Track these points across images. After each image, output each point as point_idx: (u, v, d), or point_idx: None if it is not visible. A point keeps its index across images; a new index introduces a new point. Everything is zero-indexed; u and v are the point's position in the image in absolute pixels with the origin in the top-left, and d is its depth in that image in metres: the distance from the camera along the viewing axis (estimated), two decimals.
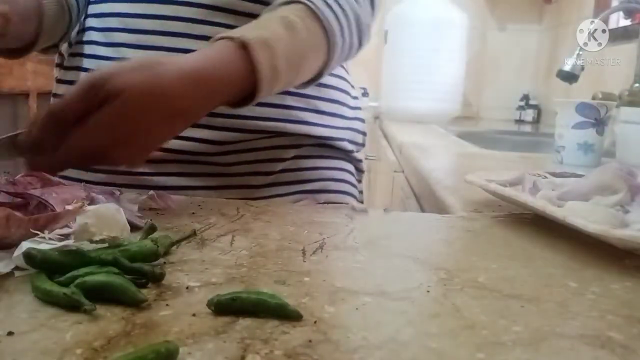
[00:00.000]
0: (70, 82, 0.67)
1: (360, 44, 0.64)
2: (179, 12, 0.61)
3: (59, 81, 0.69)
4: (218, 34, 0.52)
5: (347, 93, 0.76)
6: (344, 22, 0.59)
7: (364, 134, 0.80)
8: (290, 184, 0.69)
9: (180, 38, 0.61)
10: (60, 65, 0.71)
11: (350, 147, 0.76)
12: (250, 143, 0.65)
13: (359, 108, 0.80)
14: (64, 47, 0.70)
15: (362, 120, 0.80)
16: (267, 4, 0.60)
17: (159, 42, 0.61)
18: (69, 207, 0.37)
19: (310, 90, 0.67)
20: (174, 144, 0.62)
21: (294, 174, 0.69)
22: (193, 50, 0.52)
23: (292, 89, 0.64)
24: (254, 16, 0.58)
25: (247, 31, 0.51)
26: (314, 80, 0.61)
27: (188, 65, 0.48)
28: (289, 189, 0.69)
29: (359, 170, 0.80)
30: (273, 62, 0.51)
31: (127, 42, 0.63)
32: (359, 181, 0.81)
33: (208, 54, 0.50)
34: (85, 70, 0.65)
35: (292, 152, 0.68)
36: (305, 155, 0.70)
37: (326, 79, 0.68)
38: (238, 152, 0.65)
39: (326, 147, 0.72)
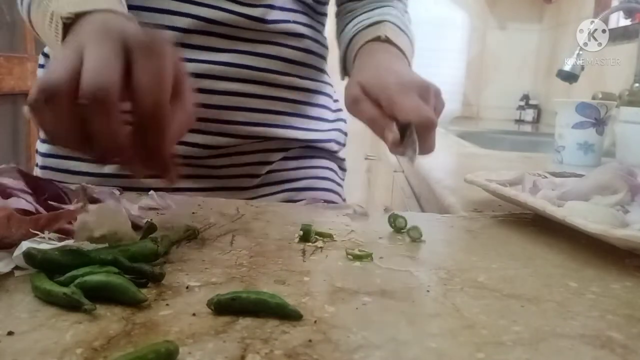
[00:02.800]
0: None
1: (413, 51, 0.74)
2: (177, 22, 0.62)
3: None
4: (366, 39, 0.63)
5: (330, 96, 0.78)
6: (412, 38, 0.71)
7: (345, 134, 0.82)
8: (277, 183, 0.72)
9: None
10: (43, 67, 0.70)
11: (335, 147, 0.79)
12: (241, 147, 0.67)
13: (340, 110, 0.82)
14: (47, 47, 0.70)
15: (344, 121, 0.81)
16: (255, 19, 0.63)
17: None
18: (70, 207, 0.37)
19: (298, 96, 0.70)
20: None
21: (280, 174, 0.72)
22: (188, 59, 0.59)
23: (278, 94, 0.67)
24: (243, 28, 0.63)
25: (378, 33, 0.63)
26: None
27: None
28: (276, 189, 0.72)
29: (342, 169, 0.83)
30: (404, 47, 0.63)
31: None
32: (343, 179, 0.83)
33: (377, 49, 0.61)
34: None
35: (279, 155, 0.71)
36: (291, 156, 0.73)
37: (311, 84, 0.72)
38: (229, 156, 0.67)
39: (312, 148, 0.75)
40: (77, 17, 0.42)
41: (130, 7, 0.62)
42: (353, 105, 0.53)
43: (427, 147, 0.50)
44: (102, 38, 0.35)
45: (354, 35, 0.68)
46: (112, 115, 0.33)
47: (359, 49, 0.64)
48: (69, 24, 0.43)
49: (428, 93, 0.51)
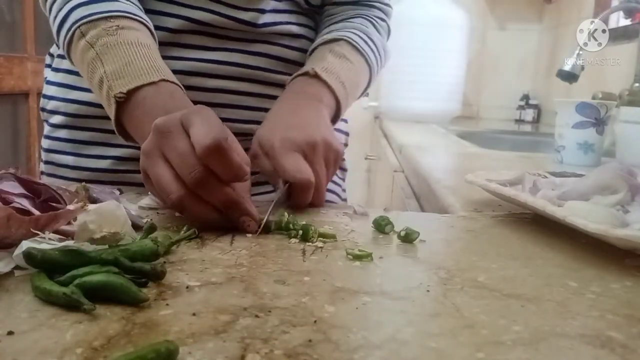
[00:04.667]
0: (60, 85, 0.68)
1: (383, 66, 0.75)
2: (167, 23, 0.62)
3: (49, 82, 0.70)
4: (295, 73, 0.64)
5: None
6: (376, 52, 0.71)
7: (346, 134, 0.82)
8: (269, 183, 0.71)
9: (165, 46, 0.62)
10: (50, 66, 0.71)
11: None
12: None
13: None
14: (53, 47, 0.70)
15: (345, 121, 0.81)
16: (247, 23, 0.64)
17: None
18: (70, 207, 0.37)
19: None
20: None
21: None
22: (175, 57, 0.61)
23: (269, 92, 0.68)
24: (235, 30, 0.64)
25: (314, 64, 0.63)
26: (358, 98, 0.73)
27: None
28: (268, 188, 0.71)
29: (342, 169, 0.82)
30: (340, 79, 0.64)
31: None
32: (343, 179, 0.83)
33: (295, 91, 0.62)
34: (75, 73, 0.65)
35: None
36: None
37: None
38: None
39: None
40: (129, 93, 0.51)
41: None
42: (252, 160, 0.55)
43: (303, 203, 0.52)
44: (168, 132, 0.43)
45: (310, 53, 0.69)
46: (219, 184, 0.42)
47: (290, 81, 0.64)
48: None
49: (314, 149, 0.53)
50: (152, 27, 0.58)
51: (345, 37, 0.67)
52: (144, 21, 0.57)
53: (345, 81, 0.64)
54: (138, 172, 0.67)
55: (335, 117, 0.65)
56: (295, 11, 0.70)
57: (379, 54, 0.72)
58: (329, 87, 0.62)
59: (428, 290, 0.32)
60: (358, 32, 0.69)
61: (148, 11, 0.62)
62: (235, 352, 0.24)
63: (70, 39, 0.56)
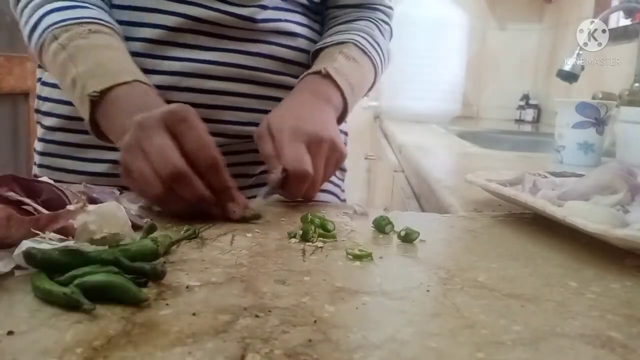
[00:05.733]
0: (54, 85, 0.67)
1: (386, 68, 0.77)
2: (165, 21, 0.62)
3: (44, 83, 0.69)
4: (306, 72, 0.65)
5: None
6: (381, 55, 0.72)
7: (345, 134, 0.82)
8: None
9: (163, 46, 0.61)
10: (41, 67, 0.71)
11: None
12: (232, 147, 0.67)
13: None
14: None
15: (344, 121, 0.81)
16: (245, 18, 0.64)
17: (142, 49, 0.62)
18: (70, 207, 0.37)
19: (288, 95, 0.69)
20: None
21: None
22: (174, 57, 0.62)
23: (269, 94, 0.68)
24: (233, 27, 0.64)
25: (325, 64, 0.64)
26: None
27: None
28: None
29: (341, 169, 0.82)
30: (349, 81, 0.64)
31: None
32: (342, 180, 0.83)
33: (307, 88, 0.63)
34: None
35: None
36: None
37: None
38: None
39: None
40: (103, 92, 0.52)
41: (118, 6, 0.62)
42: (256, 139, 0.57)
43: (295, 194, 0.53)
44: (149, 128, 0.45)
45: (315, 53, 0.70)
46: (194, 182, 0.45)
47: (300, 78, 0.65)
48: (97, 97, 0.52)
49: (319, 145, 0.54)
50: (122, 34, 0.60)
51: (352, 40, 0.68)
52: (115, 28, 0.59)
53: (353, 84, 0.65)
54: None
55: (341, 119, 0.65)
56: (296, 10, 0.70)
57: (384, 57, 0.73)
58: (339, 88, 0.63)
59: (428, 290, 0.32)
60: (365, 35, 0.70)
61: (144, 9, 0.62)
62: (235, 352, 0.24)
63: (42, 42, 0.57)
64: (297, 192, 0.53)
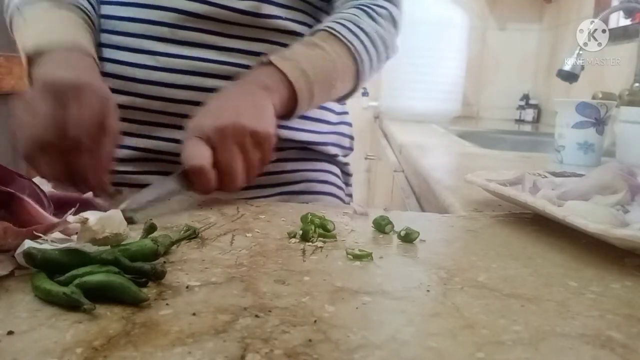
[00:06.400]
0: None
1: (387, 57, 0.73)
2: (164, 17, 0.62)
3: None
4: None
5: None
6: (366, 42, 0.66)
7: (351, 137, 0.81)
8: (274, 186, 0.70)
9: (163, 43, 0.61)
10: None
11: (334, 151, 0.77)
12: None
13: (345, 113, 0.81)
14: None
15: (349, 124, 0.80)
16: (245, 13, 0.63)
17: (143, 45, 0.62)
18: (70, 219, 0.37)
19: None
20: (159, 145, 0.63)
21: (276, 176, 0.71)
22: (173, 54, 0.62)
23: None
24: (233, 24, 0.63)
25: (274, 54, 0.60)
26: (353, 92, 0.70)
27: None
28: (272, 191, 0.70)
29: (346, 174, 0.81)
30: (300, 67, 0.60)
31: (110, 43, 0.64)
32: (347, 184, 0.81)
33: (243, 80, 0.59)
34: None
35: (274, 155, 0.69)
36: (288, 158, 0.71)
37: None
38: None
39: (309, 150, 0.73)
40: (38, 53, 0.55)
41: (117, 3, 0.62)
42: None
43: (202, 190, 0.52)
44: (44, 95, 0.48)
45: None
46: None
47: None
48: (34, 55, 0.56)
49: (222, 133, 0.51)
50: (92, 15, 0.63)
51: (325, 28, 0.65)
52: (83, 7, 0.62)
53: (307, 68, 0.60)
54: (139, 173, 0.67)
55: (293, 103, 0.60)
56: (296, 8, 0.69)
57: (372, 43, 0.68)
58: (281, 73, 0.59)
59: (428, 290, 0.32)
60: (344, 22, 0.66)
61: (143, 5, 0.62)
62: (235, 352, 0.24)
63: (10, 18, 0.62)
64: (200, 187, 0.51)
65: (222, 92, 0.58)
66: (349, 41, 0.64)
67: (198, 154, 0.50)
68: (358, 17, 0.67)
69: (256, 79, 0.59)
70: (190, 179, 0.51)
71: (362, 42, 0.66)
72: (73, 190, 0.49)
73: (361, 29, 0.66)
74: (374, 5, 0.70)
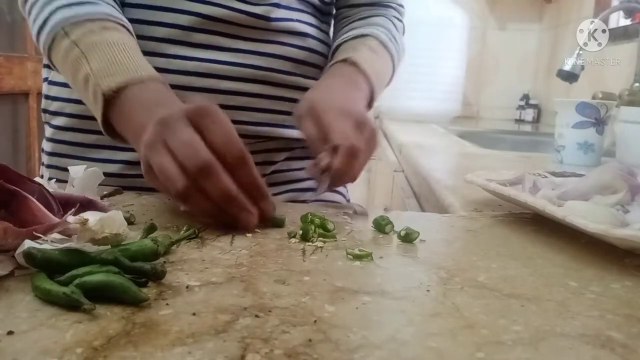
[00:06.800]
0: (63, 84, 0.66)
1: (400, 61, 0.78)
2: (179, 20, 0.61)
3: (51, 82, 0.68)
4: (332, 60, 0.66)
5: None
6: (398, 49, 0.74)
7: None
8: (282, 184, 0.72)
9: (176, 45, 0.61)
10: (49, 66, 0.69)
11: None
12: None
13: None
14: None
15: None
16: (259, 17, 0.64)
17: (156, 48, 0.61)
18: (70, 219, 0.37)
19: (302, 95, 0.69)
20: None
21: (284, 174, 0.72)
22: (187, 57, 0.61)
23: (282, 94, 0.68)
24: (246, 27, 0.64)
25: (349, 54, 0.65)
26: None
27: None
28: (281, 189, 0.72)
29: None
30: (375, 70, 0.66)
31: None
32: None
33: (336, 74, 0.64)
34: None
35: (283, 155, 0.71)
36: (296, 157, 0.73)
37: None
38: None
39: None
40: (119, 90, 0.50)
41: (132, 5, 0.62)
42: (297, 120, 0.56)
43: (345, 172, 0.51)
44: (172, 123, 0.43)
45: (335, 48, 0.70)
46: (221, 175, 0.42)
47: (328, 67, 0.66)
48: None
49: (363, 127, 0.54)
50: (132, 31, 0.58)
51: (372, 34, 0.70)
52: (126, 25, 0.58)
53: (378, 73, 0.66)
54: None
55: (368, 106, 0.66)
56: (307, 10, 0.70)
57: (400, 52, 0.75)
58: (365, 75, 0.64)
59: (428, 290, 0.32)
60: (383, 30, 0.72)
61: (158, 8, 0.61)
62: (235, 352, 0.24)
63: (52, 39, 0.55)
64: (347, 169, 0.51)
65: (325, 79, 0.63)
66: (390, 50, 0.71)
67: (355, 136, 0.52)
68: (389, 26, 0.74)
69: (347, 76, 0.63)
70: (337, 156, 0.50)
71: (396, 50, 0.73)
72: (227, 218, 0.44)
73: (394, 38, 0.73)
74: (394, 17, 0.77)
